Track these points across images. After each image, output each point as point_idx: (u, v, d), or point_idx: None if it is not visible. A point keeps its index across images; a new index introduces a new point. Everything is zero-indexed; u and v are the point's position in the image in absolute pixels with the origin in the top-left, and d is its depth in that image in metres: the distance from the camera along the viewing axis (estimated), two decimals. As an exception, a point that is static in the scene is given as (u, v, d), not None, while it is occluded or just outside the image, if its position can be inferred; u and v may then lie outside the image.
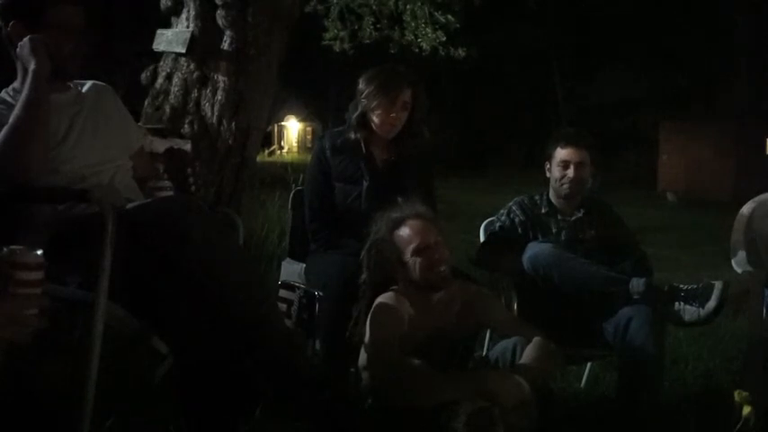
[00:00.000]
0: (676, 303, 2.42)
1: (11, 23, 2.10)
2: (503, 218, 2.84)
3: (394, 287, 2.21)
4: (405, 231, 2.21)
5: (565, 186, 2.79)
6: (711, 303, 2.36)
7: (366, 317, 2.16)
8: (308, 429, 2.00)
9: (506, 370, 2.10)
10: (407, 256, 2.18)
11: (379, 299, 2.17)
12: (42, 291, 1.46)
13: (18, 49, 2.09)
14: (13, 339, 1.43)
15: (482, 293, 2.34)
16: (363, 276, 2.23)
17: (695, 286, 2.42)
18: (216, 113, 4.33)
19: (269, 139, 27.80)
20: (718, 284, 2.38)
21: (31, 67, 2.02)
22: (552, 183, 2.84)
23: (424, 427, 1.92)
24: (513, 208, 2.84)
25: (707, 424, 2.53)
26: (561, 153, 2.80)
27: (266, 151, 24.09)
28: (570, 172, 2.77)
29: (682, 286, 2.45)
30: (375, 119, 2.64)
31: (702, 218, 11.43)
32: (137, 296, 1.85)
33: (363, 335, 2.13)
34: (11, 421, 1.92)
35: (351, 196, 2.66)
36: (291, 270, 2.77)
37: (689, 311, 2.40)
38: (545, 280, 2.54)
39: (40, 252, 1.46)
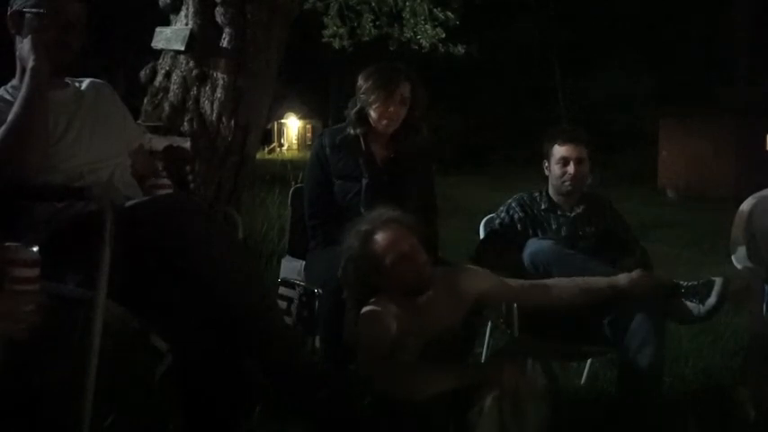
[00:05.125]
0: (676, 300, 2.42)
1: (12, 12, 2.10)
2: (502, 215, 2.83)
3: (378, 296, 2.15)
4: (378, 244, 2.12)
5: (566, 183, 2.79)
6: (711, 300, 2.35)
7: (356, 330, 2.12)
8: (307, 427, 2.00)
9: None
10: (386, 268, 2.11)
11: (365, 309, 2.11)
12: (38, 287, 1.46)
13: (17, 47, 2.09)
14: (9, 335, 1.43)
15: (465, 271, 2.32)
16: (345, 293, 2.18)
17: (695, 283, 2.42)
18: (215, 111, 4.33)
19: (268, 136, 27.79)
20: (718, 281, 2.37)
21: (30, 64, 2.02)
22: (552, 180, 2.84)
23: (424, 424, 1.93)
24: (513, 205, 2.84)
25: (707, 420, 2.53)
26: (560, 150, 2.80)
27: (266, 149, 24.09)
28: (570, 168, 2.77)
29: (682, 283, 2.44)
30: (373, 113, 2.64)
31: (703, 214, 11.42)
32: (136, 294, 1.84)
33: (357, 339, 2.11)
34: (11, 420, 1.92)
35: (350, 193, 2.66)
36: (291, 267, 2.77)
37: (689, 308, 2.39)
38: (545, 277, 2.53)
39: (35, 249, 1.45)
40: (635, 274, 2.40)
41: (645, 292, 2.38)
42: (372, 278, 2.14)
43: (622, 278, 2.39)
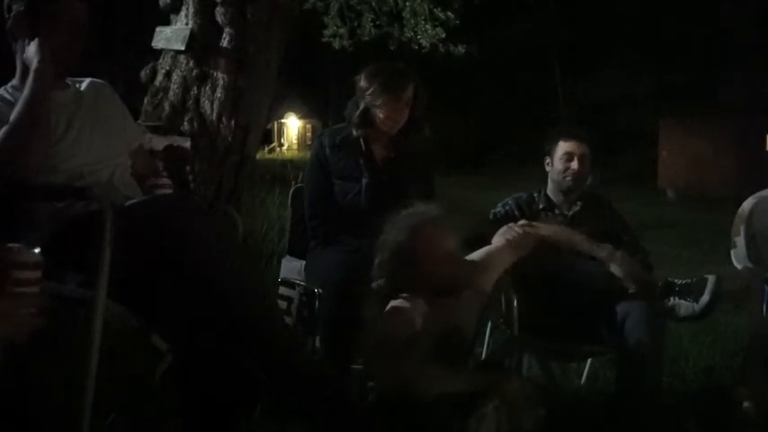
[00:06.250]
0: (671, 298, 2.43)
1: (13, 14, 2.09)
2: (498, 208, 2.84)
3: (409, 292, 2.13)
4: (427, 240, 2.10)
5: (568, 179, 2.80)
6: (705, 297, 2.37)
7: (378, 322, 2.12)
8: (307, 427, 2.00)
9: None
10: (429, 265, 2.09)
11: (394, 302, 2.10)
12: (40, 290, 1.45)
13: (18, 47, 2.09)
14: (10, 338, 1.43)
15: (474, 269, 2.32)
16: (379, 282, 2.14)
17: (689, 281, 2.43)
18: (215, 111, 4.33)
19: (269, 136, 27.76)
20: (711, 278, 2.39)
21: (34, 66, 2.02)
22: (554, 176, 2.84)
23: (424, 425, 1.93)
24: (509, 202, 2.86)
25: (707, 420, 2.54)
26: (564, 146, 2.81)
27: (266, 149, 24.07)
28: (574, 164, 2.79)
29: (676, 281, 2.45)
30: (380, 115, 2.63)
31: (703, 214, 11.41)
32: (136, 294, 1.84)
33: (374, 337, 2.10)
34: (11, 420, 1.92)
35: (350, 193, 2.66)
36: (291, 267, 2.77)
37: (684, 306, 2.40)
38: (544, 277, 2.53)
39: (37, 251, 1.45)
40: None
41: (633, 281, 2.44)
42: (410, 273, 2.10)
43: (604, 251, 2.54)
